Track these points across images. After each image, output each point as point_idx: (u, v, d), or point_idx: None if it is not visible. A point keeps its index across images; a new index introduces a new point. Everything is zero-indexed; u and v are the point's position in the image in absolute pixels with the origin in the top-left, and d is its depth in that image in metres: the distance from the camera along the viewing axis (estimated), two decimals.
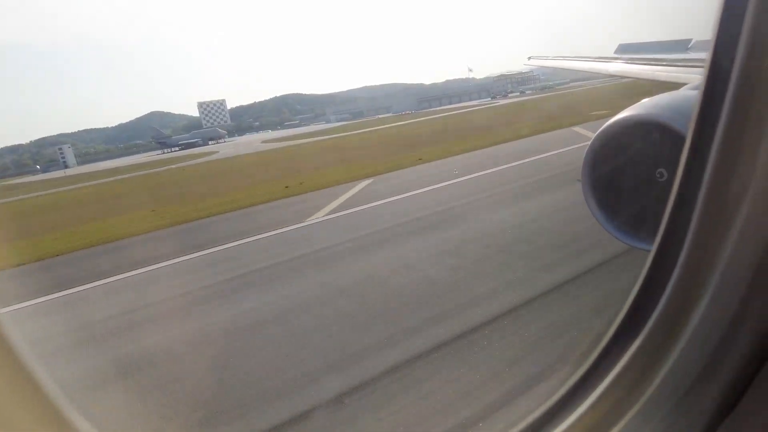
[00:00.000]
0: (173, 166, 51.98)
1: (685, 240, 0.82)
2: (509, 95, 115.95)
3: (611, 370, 0.94)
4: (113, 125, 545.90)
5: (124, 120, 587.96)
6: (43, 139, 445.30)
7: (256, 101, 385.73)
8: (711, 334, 0.79)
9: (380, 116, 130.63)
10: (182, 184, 29.54)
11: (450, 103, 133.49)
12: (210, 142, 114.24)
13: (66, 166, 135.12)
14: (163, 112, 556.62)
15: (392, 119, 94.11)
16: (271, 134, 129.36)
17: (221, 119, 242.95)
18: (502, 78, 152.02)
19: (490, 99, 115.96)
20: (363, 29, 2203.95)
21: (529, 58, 13.61)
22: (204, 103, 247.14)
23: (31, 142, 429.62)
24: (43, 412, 0.76)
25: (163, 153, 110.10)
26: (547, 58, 13.10)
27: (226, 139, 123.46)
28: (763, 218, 0.71)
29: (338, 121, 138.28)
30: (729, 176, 0.73)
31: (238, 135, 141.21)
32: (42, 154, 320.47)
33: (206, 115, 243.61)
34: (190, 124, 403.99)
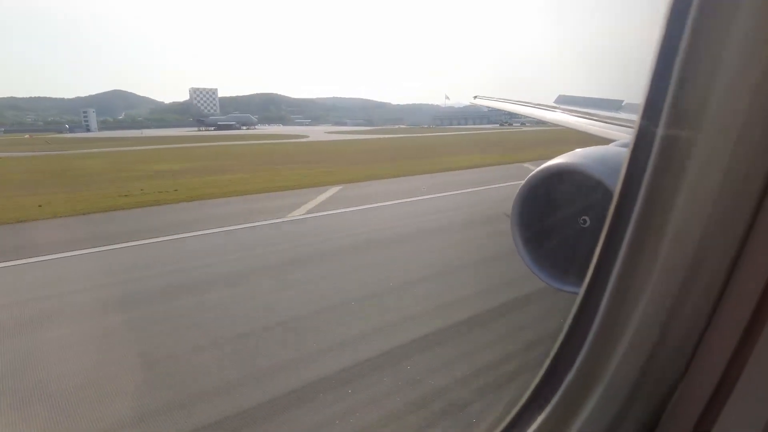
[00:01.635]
0: (288, 141, 60.51)
1: (606, 291, 0.89)
2: (513, 124, 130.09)
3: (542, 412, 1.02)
4: (70, 97, 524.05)
5: (83, 94, 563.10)
6: None
7: (238, 95, 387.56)
8: (620, 390, 0.89)
9: (398, 126, 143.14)
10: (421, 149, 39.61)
11: (458, 124, 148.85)
12: (243, 128, 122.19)
13: (88, 130, 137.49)
14: (126, 92, 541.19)
15: (419, 130, 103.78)
16: (301, 128, 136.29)
17: (212, 107, 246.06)
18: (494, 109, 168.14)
19: (498, 125, 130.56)
20: (336, 43, 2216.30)
21: (475, 97, 13.66)
22: (197, 89, 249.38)
23: None
24: None
25: (199, 130, 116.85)
26: (491, 98, 13.25)
27: (256, 127, 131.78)
28: (673, 273, 0.80)
29: (354, 125, 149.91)
30: (646, 233, 0.82)
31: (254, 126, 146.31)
32: (4, 116, 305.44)
33: (198, 101, 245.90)
34: (157, 108, 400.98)
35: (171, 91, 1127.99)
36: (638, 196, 0.82)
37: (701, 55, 0.72)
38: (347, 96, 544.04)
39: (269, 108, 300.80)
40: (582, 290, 0.96)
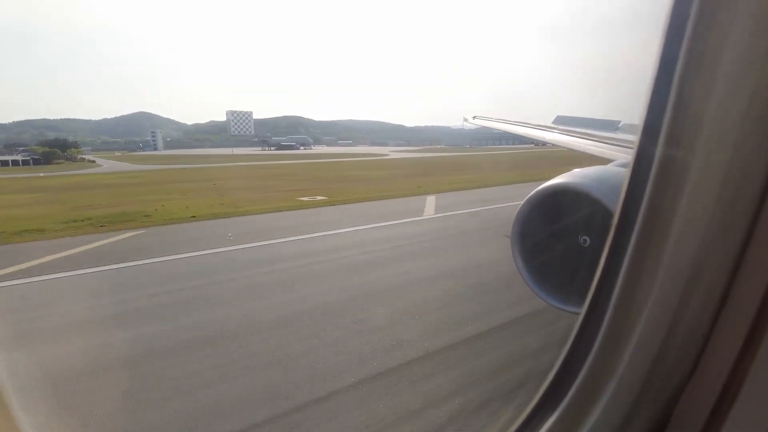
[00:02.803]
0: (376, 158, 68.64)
1: (609, 307, 0.93)
2: (547, 145, 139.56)
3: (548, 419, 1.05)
4: (97, 119, 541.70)
5: (109, 116, 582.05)
6: (28, 121, 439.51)
7: (266, 117, 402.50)
8: (620, 407, 0.93)
9: (440, 146, 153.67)
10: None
11: (492, 145, 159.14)
12: (301, 147, 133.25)
13: (155, 149, 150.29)
14: (150, 113, 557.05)
15: (468, 149, 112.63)
16: (351, 149, 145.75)
17: (247, 129, 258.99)
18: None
19: (534, 145, 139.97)
20: (348, 66, 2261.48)
21: (474, 117, 13.89)
22: (234, 111, 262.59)
23: (13, 122, 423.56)
24: None
25: (263, 150, 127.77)
26: (490, 119, 13.41)
27: (312, 147, 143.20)
28: (673, 288, 0.84)
29: (396, 146, 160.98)
30: (647, 251, 0.86)
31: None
32: (45, 135, 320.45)
33: (234, 123, 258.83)
34: (180, 128, 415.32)
35: (191, 114, 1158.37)
36: (639, 213, 0.87)
37: (695, 80, 0.77)
38: (361, 119, 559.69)
39: (299, 130, 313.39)
40: (588, 299, 1.02)
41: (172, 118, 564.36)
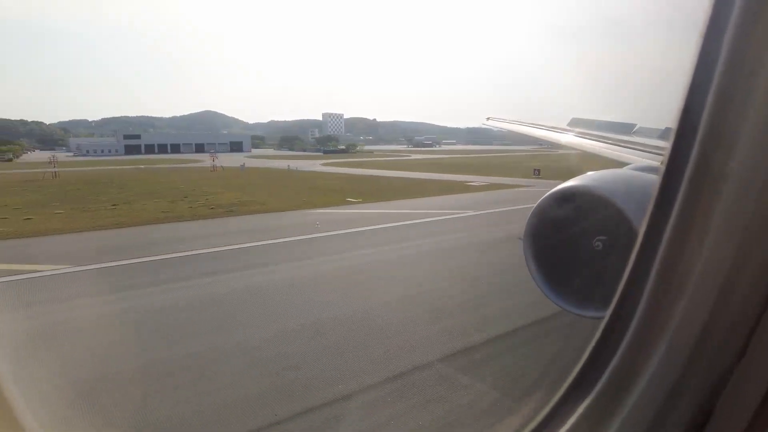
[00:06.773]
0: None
1: (637, 310, 0.91)
2: None
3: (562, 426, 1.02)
4: (168, 116, 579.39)
5: (177, 114, 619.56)
6: (114, 118, 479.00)
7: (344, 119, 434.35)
8: (653, 403, 0.88)
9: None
10: None
11: None
12: (436, 146, 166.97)
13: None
14: (216, 112, 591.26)
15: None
16: (462, 146, 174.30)
17: (338, 129, 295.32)
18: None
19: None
20: (391, 72, 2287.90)
21: (488, 118, 13.72)
22: (329, 114, 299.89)
23: (102, 119, 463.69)
24: None
25: (407, 147, 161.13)
26: (504, 120, 13.30)
27: (440, 146, 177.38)
28: (705, 297, 0.81)
29: (501, 145, 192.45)
30: (678, 259, 0.84)
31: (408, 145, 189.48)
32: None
33: (330, 123, 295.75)
34: (248, 128, 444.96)
35: (251, 114, 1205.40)
36: (671, 215, 0.84)
37: (737, 82, 0.74)
38: (406, 120, 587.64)
39: (377, 131, 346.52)
40: (614, 300, 1.00)
41: (236, 117, 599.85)
